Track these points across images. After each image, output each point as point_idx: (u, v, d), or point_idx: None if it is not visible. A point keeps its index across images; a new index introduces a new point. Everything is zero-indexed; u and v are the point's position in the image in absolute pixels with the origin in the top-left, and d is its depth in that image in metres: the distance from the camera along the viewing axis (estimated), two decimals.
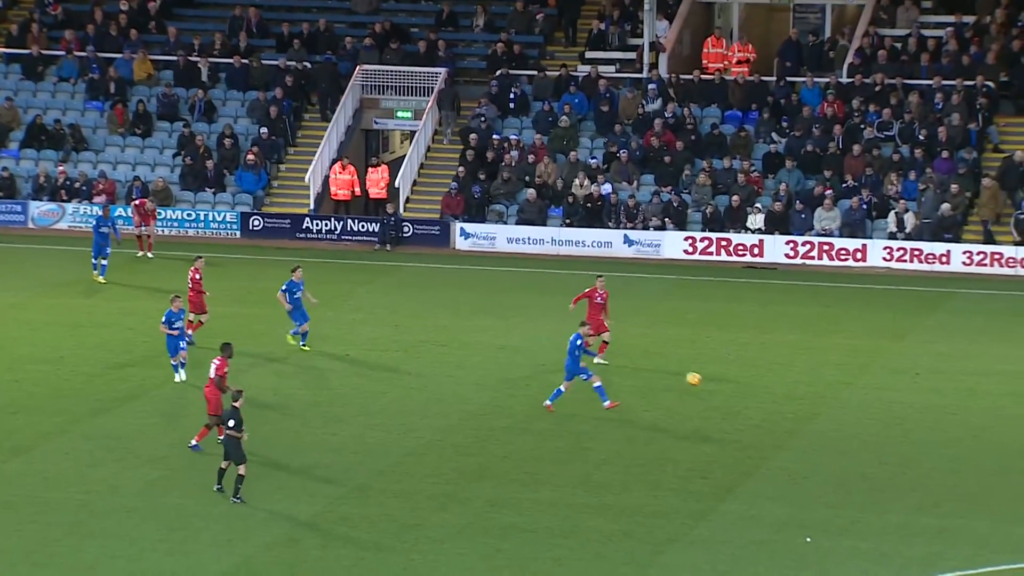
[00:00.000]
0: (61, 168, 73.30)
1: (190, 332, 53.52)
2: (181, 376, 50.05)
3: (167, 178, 72.90)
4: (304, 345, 53.79)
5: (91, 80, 76.89)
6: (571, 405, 49.64)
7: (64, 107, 76.57)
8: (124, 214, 68.26)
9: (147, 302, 60.08)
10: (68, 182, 72.83)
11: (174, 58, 77.24)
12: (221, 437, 42.79)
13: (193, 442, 44.85)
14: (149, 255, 66.68)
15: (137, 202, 68.50)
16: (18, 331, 57.69)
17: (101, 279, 62.40)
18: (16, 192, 73.21)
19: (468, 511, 42.11)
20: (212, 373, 44.95)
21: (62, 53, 78.04)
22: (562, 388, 48.62)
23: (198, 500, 42.34)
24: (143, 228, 67.10)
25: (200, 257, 56.07)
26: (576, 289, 57.78)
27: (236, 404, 41.56)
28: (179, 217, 71.70)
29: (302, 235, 71.02)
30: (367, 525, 41.06)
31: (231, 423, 41.22)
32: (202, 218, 71.88)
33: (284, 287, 52.85)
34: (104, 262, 62.50)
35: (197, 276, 54.40)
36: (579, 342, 48.35)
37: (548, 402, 48.71)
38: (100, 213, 64.13)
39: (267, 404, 49.61)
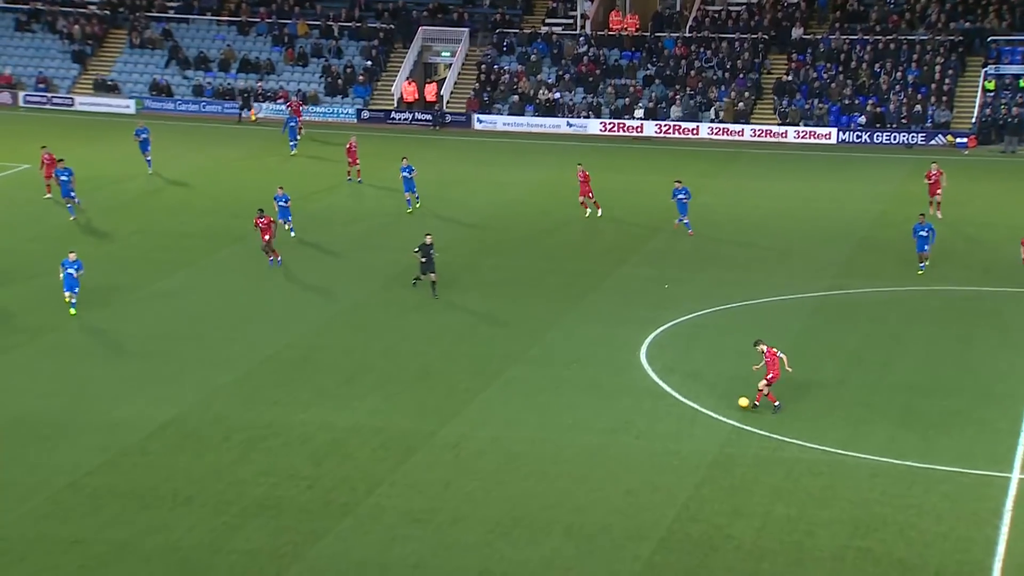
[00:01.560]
0: (259, 84, 72.51)
1: (359, 179, 52.73)
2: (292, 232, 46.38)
3: (316, 89, 72.18)
4: (410, 210, 49.12)
5: (274, 35, 75.67)
6: (559, 219, 49.45)
7: (260, 50, 75.46)
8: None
9: (305, 164, 59.93)
10: (263, 92, 72.12)
11: (330, 23, 75.96)
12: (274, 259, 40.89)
13: (273, 260, 41.72)
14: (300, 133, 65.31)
15: (289, 102, 67.72)
16: (237, 175, 57.56)
17: (293, 152, 60.86)
18: (234, 97, 72.57)
19: (476, 273, 42.28)
20: (265, 223, 41.21)
21: (258, 20, 76.79)
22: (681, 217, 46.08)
23: (302, 289, 42.48)
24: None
25: (353, 136, 55.27)
26: (542, 149, 57.56)
27: (427, 241, 38.86)
28: (323, 111, 71.03)
29: (390, 122, 70.10)
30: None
31: (432, 249, 38.68)
32: (335, 112, 71.16)
33: (401, 169, 49.56)
34: (293, 143, 60.80)
35: (350, 146, 53.56)
36: (675, 192, 46.00)
37: (676, 222, 46.08)
38: (288, 114, 62.99)
39: (360, 208, 49.49)
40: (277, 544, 24.62)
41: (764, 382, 30.74)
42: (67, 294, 36.82)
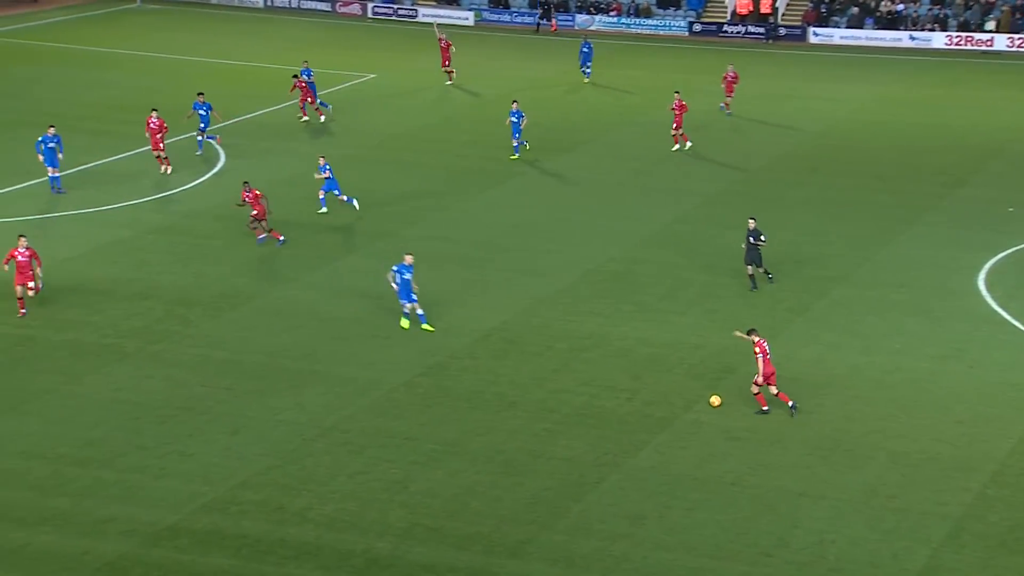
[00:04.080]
0: None
1: (728, 111, 48.45)
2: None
3: (648, 1, 71.54)
4: (514, 156, 44.48)
5: None
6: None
7: None
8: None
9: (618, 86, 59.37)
10: (596, 4, 71.94)
11: None
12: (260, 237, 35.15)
13: (280, 238, 36.19)
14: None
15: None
16: (557, 93, 57.63)
17: (586, 80, 57.21)
18: (569, 8, 72.91)
19: (803, 190, 40.99)
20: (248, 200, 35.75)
21: None
22: None
23: (622, 205, 42.20)
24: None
25: (731, 64, 51.70)
26: (881, 64, 54.99)
27: (750, 226, 31.91)
28: (654, 23, 70.46)
29: (722, 34, 68.97)
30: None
31: (758, 237, 31.96)
32: (666, 24, 70.44)
33: (511, 114, 44.50)
34: (584, 69, 56.99)
35: (730, 76, 49.96)
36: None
37: None
38: (585, 39, 60.88)
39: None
40: (596, 453, 25.21)
41: (755, 384, 26.21)
42: (405, 304, 30.50)
